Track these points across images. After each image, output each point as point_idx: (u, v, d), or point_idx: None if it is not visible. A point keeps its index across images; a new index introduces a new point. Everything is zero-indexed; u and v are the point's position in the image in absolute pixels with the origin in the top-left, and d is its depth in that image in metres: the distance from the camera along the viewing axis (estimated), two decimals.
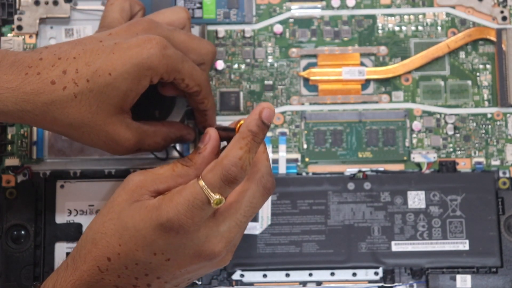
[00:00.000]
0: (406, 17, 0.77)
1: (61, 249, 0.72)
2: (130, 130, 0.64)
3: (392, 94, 0.76)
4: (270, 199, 0.72)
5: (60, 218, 0.72)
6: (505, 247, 0.72)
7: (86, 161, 0.73)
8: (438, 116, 0.75)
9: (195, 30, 0.75)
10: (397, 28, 0.77)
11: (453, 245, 0.72)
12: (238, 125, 0.60)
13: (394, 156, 0.75)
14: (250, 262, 0.72)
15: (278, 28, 0.76)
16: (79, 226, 0.72)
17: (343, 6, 0.77)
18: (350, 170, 0.74)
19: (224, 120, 0.74)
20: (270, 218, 0.73)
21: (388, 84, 0.76)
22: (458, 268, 0.72)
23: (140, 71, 0.62)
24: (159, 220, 0.58)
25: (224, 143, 0.63)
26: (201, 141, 0.63)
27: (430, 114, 0.75)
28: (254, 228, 0.72)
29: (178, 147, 0.73)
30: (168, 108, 0.73)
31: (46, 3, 0.74)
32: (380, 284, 0.73)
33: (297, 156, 0.75)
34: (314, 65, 0.76)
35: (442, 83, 0.76)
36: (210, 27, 0.76)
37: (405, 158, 0.75)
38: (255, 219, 0.72)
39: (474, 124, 0.75)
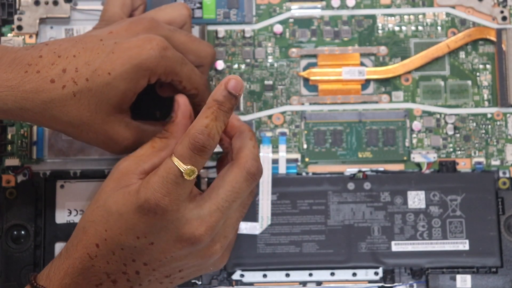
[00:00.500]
0: (406, 17, 0.77)
1: (61, 249, 0.72)
2: (129, 129, 0.64)
3: (392, 94, 0.76)
4: (270, 199, 0.72)
5: (60, 218, 0.72)
6: (505, 247, 0.72)
7: (86, 161, 0.73)
8: (438, 116, 0.75)
9: (195, 30, 0.75)
10: (397, 28, 0.77)
11: (453, 245, 0.72)
12: None
13: (394, 156, 0.75)
14: (250, 262, 0.72)
15: (278, 28, 0.76)
16: None
17: (343, 6, 0.77)
18: (350, 170, 0.74)
19: None
20: (270, 218, 0.73)
21: (388, 84, 0.76)
22: (458, 268, 0.72)
23: (139, 71, 0.62)
24: (138, 202, 0.58)
25: None
26: (174, 111, 0.64)
27: (430, 114, 0.75)
28: (254, 228, 0.72)
29: None
30: (168, 109, 0.73)
31: (46, 3, 0.74)
32: (380, 284, 0.73)
33: (297, 156, 0.75)
34: (314, 65, 0.76)
35: (442, 83, 0.76)
36: (210, 27, 0.76)
37: (405, 158, 0.75)
38: (255, 219, 0.72)
39: (474, 124, 0.75)
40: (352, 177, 0.74)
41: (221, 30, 0.76)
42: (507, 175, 0.74)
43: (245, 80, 0.76)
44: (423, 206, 0.73)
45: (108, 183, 0.61)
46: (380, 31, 0.77)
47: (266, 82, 0.76)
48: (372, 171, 0.74)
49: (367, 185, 0.73)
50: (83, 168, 0.73)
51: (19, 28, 0.74)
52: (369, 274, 0.73)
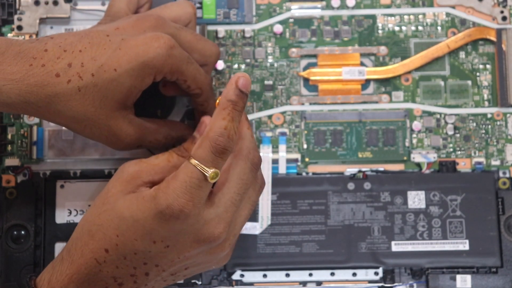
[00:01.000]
0: (406, 17, 0.77)
1: (61, 249, 0.72)
2: (132, 126, 0.64)
3: (392, 94, 0.76)
4: (270, 199, 0.72)
5: (60, 218, 0.72)
6: (505, 247, 0.72)
7: (86, 161, 0.73)
8: (438, 116, 0.75)
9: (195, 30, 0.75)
10: (397, 28, 0.77)
11: (453, 245, 0.72)
12: (217, 103, 0.61)
13: (394, 156, 0.75)
14: (250, 262, 0.72)
15: (278, 28, 0.76)
16: None
17: (343, 6, 0.77)
18: (350, 170, 0.74)
19: None
20: (270, 218, 0.73)
21: (388, 84, 0.76)
22: (458, 268, 0.72)
23: (145, 69, 0.62)
24: (158, 208, 0.57)
25: None
26: (197, 130, 0.63)
27: (430, 114, 0.75)
28: (254, 228, 0.72)
29: None
30: (168, 108, 0.73)
31: (46, 3, 0.74)
32: (380, 284, 0.73)
33: (297, 156, 0.75)
34: (314, 65, 0.76)
35: (442, 83, 0.76)
36: (210, 27, 0.76)
37: (405, 158, 0.75)
38: (255, 219, 0.72)
39: (474, 124, 0.75)
40: (352, 177, 0.74)
41: (221, 30, 0.76)
42: (507, 175, 0.74)
43: None
44: (423, 206, 0.73)
45: (115, 184, 0.61)
46: (380, 31, 0.77)
47: (266, 82, 0.76)
48: (372, 171, 0.74)
49: (367, 185, 0.73)
50: (83, 168, 0.73)
51: (19, 28, 0.74)
52: (369, 274, 0.73)
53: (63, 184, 0.73)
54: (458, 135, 0.75)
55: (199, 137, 0.61)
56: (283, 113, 0.75)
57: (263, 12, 0.77)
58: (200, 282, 0.72)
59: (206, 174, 0.57)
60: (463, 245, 0.72)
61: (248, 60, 0.76)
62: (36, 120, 0.73)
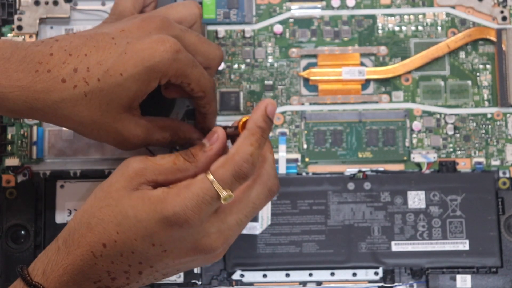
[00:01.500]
0: (406, 17, 0.77)
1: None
2: (139, 127, 0.64)
3: (392, 94, 0.76)
4: None
5: (60, 218, 0.72)
6: (505, 247, 0.72)
7: (86, 161, 0.73)
8: (438, 116, 0.75)
9: None
10: (397, 28, 0.77)
11: (453, 245, 0.72)
12: (241, 123, 0.60)
13: (394, 156, 0.75)
14: (250, 262, 0.72)
15: (278, 28, 0.76)
16: None
17: (343, 6, 0.77)
18: (350, 170, 0.74)
19: (224, 120, 0.74)
20: (270, 218, 0.73)
21: (388, 84, 0.76)
22: (458, 268, 0.72)
23: (151, 73, 0.61)
24: (164, 213, 0.57)
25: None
26: (207, 138, 0.62)
27: (430, 114, 0.75)
28: (254, 228, 0.72)
29: None
30: (168, 108, 0.73)
31: (46, 3, 0.74)
32: (380, 284, 0.73)
33: (297, 156, 0.75)
34: (314, 65, 0.76)
35: (442, 83, 0.76)
36: (210, 27, 0.76)
37: (405, 158, 0.75)
38: (255, 219, 0.72)
39: (474, 124, 0.75)
40: (352, 177, 0.74)
41: (221, 30, 0.76)
42: (507, 175, 0.74)
43: (245, 80, 0.76)
44: (423, 206, 0.73)
45: (119, 179, 0.60)
46: (380, 31, 0.77)
47: (266, 82, 0.76)
48: (372, 171, 0.74)
49: (367, 185, 0.73)
50: (83, 168, 0.73)
51: (19, 28, 0.74)
52: (369, 274, 0.73)
53: (63, 184, 0.73)
54: (458, 135, 0.75)
55: (209, 146, 0.61)
56: (283, 113, 0.75)
57: (263, 12, 0.77)
58: (200, 282, 0.72)
59: (221, 194, 0.57)
60: (463, 245, 0.72)
61: (248, 60, 0.76)
62: (36, 120, 0.73)
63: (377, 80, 0.76)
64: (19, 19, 0.74)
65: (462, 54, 0.76)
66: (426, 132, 0.75)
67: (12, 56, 0.60)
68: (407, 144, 0.75)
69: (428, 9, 0.77)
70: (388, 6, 0.77)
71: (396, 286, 0.73)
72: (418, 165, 0.75)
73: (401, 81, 0.76)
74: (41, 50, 0.61)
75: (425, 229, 0.73)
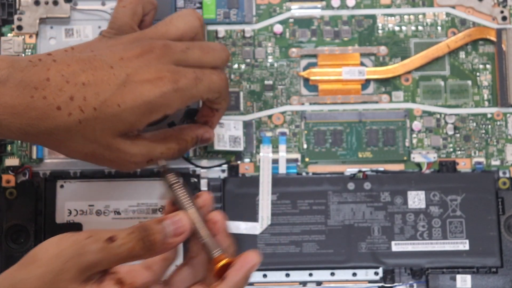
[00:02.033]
0: (406, 17, 0.77)
1: None
2: (137, 146, 0.63)
3: (392, 94, 0.76)
4: (270, 199, 0.72)
5: (60, 218, 0.72)
6: (505, 247, 0.72)
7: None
8: (438, 116, 0.75)
9: None
10: (397, 28, 0.77)
11: (453, 245, 0.72)
12: (218, 266, 0.56)
13: (394, 156, 0.75)
14: None
15: (278, 28, 0.76)
16: (79, 226, 0.72)
17: (343, 6, 0.77)
18: (350, 170, 0.74)
19: (225, 120, 0.74)
20: (270, 218, 0.72)
21: (388, 84, 0.76)
22: (458, 268, 0.72)
23: (153, 107, 0.61)
24: None
25: None
26: (172, 223, 0.56)
27: (430, 114, 0.75)
28: (254, 228, 0.72)
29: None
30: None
31: (46, 3, 0.74)
32: (380, 284, 0.73)
33: (297, 156, 0.75)
34: (314, 65, 0.76)
35: (442, 83, 0.76)
36: (210, 27, 0.76)
37: (405, 158, 0.74)
38: (255, 219, 0.72)
39: (474, 124, 0.75)
40: (352, 177, 0.74)
41: (221, 30, 0.76)
42: (507, 175, 0.74)
43: (245, 80, 0.76)
44: (423, 206, 0.73)
45: (69, 268, 0.52)
46: (380, 31, 0.77)
47: (266, 82, 0.76)
48: (372, 171, 0.74)
49: (367, 185, 0.73)
50: (83, 168, 0.73)
51: (19, 28, 0.74)
52: (369, 274, 0.73)
53: (63, 184, 0.73)
54: (458, 135, 0.75)
55: (171, 238, 0.55)
56: (283, 113, 0.75)
57: (263, 12, 0.77)
58: None
59: None
60: (463, 245, 0.72)
61: (248, 60, 0.76)
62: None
63: (377, 80, 0.76)
64: (19, 19, 0.74)
65: (462, 54, 0.76)
66: (426, 132, 0.75)
67: (8, 79, 0.58)
68: (407, 144, 0.75)
69: (428, 9, 0.77)
70: (388, 6, 0.77)
71: (396, 286, 0.73)
72: (418, 165, 0.75)
73: (401, 81, 0.76)
74: (38, 73, 0.59)
75: (425, 229, 0.73)
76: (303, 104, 0.75)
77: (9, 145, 0.73)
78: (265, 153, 0.74)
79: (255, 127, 0.75)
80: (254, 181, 0.73)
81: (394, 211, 0.73)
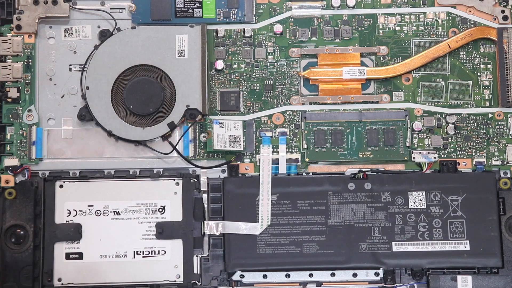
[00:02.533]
0: (406, 16, 0.77)
1: (61, 250, 0.72)
2: None
3: (393, 94, 0.76)
4: (270, 199, 0.72)
5: (60, 218, 0.72)
6: (506, 247, 0.72)
7: (86, 161, 0.73)
8: (438, 116, 0.75)
9: (196, 30, 0.74)
10: (397, 28, 0.76)
11: (454, 245, 0.72)
12: None
13: (395, 156, 0.74)
14: (250, 263, 0.72)
15: (278, 28, 0.76)
16: (78, 226, 0.72)
17: (344, 5, 0.77)
18: (350, 170, 0.74)
19: (225, 120, 0.74)
20: (270, 218, 0.72)
21: (388, 84, 0.76)
22: (459, 268, 0.72)
23: None
24: None
25: None
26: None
27: (431, 114, 0.75)
28: (254, 229, 0.72)
29: (178, 147, 0.73)
30: (168, 108, 0.73)
31: (45, 2, 0.74)
32: (380, 285, 0.72)
33: (297, 156, 0.74)
34: (314, 64, 0.76)
35: (443, 83, 0.76)
36: (210, 27, 0.76)
37: (405, 158, 0.74)
38: (255, 220, 0.72)
39: (475, 124, 0.75)
40: (353, 177, 0.73)
41: (221, 29, 0.76)
42: (508, 175, 0.74)
43: (245, 80, 0.75)
44: (423, 206, 0.73)
45: None
46: (380, 31, 0.76)
47: (266, 82, 0.76)
48: (372, 171, 0.74)
49: (367, 185, 0.73)
50: (83, 168, 0.73)
51: (18, 27, 0.74)
52: (370, 274, 0.72)
53: (62, 184, 0.73)
54: (459, 135, 0.75)
55: None
56: (283, 113, 0.75)
57: (263, 12, 0.76)
58: (200, 283, 0.72)
59: None
60: (464, 245, 0.72)
61: (248, 60, 0.76)
62: (35, 119, 0.73)
63: (377, 80, 0.76)
64: (18, 19, 0.74)
65: (463, 54, 0.76)
66: (426, 132, 0.75)
67: None
68: (407, 144, 0.74)
69: (428, 8, 0.77)
70: (388, 6, 0.77)
71: (396, 286, 0.73)
72: (419, 165, 0.74)
73: (402, 81, 0.76)
74: None
75: (425, 229, 0.73)
76: (303, 104, 0.75)
77: (8, 145, 0.73)
78: (265, 153, 0.74)
79: (255, 127, 0.75)
80: (254, 181, 0.73)
81: (395, 211, 0.73)
